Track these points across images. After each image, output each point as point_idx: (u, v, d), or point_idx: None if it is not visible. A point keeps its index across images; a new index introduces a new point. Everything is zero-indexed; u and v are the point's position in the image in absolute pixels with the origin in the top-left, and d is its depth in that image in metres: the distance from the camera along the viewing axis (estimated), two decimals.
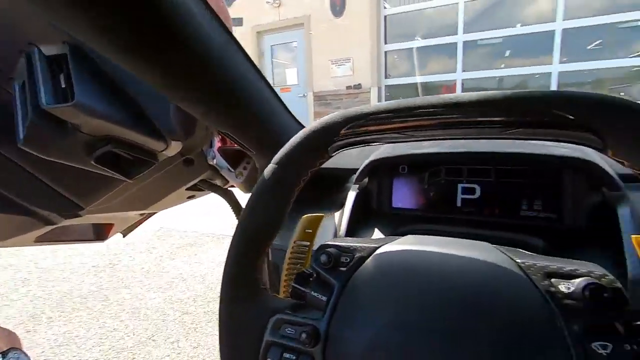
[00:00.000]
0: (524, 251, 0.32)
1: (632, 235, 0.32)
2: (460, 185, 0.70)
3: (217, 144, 0.95)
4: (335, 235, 0.71)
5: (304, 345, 0.32)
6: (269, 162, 0.37)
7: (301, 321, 0.34)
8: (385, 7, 6.36)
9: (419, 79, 6.41)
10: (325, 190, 0.91)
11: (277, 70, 7.52)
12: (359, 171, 0.75)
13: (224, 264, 0.38)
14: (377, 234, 0.71)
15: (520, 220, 0.64)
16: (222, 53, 0.43)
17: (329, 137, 0.33)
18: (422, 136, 0.31)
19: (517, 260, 0.29)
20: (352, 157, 0.88)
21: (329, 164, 0.95)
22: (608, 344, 0.24)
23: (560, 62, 5.44)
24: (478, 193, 0.68)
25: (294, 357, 0.33)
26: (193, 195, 0.93)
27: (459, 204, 0.70)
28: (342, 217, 0.72)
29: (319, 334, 0.32)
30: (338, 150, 0.35)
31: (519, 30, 5.63)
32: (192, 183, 0.82)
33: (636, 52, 5.09)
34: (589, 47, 5.31)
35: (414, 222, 0.71)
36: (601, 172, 0.57)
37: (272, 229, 0.36)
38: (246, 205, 0.37)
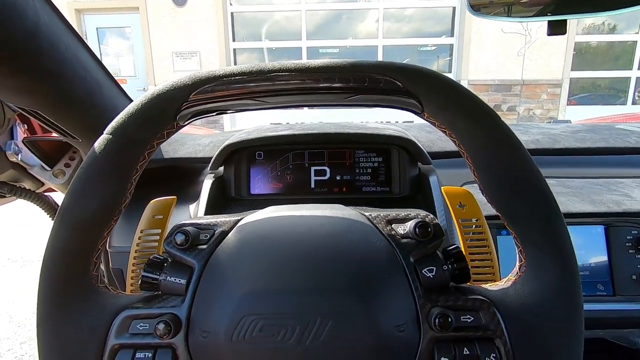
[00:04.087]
0: (369, 208, 0.36)
1: (442, 187, 0.41)
2: (312, 169, 0.75)
3: (20, 134, 0.75)
4: None
5: (161, 338, 0.28)
6: None
7: (156, 312, 0.29)
8: (231, 4, 6.26)
9: None
10: (180, 181, 0.84)
11: (107, 59, 6.43)
12: (213, 158, 0.72)
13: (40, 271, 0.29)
14: None
15: (363, 195, 0.74)
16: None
17: (177, 102, 0.30)
18: (275, 103, 0.32)
19: (365, 214, 0.33)
20: (206, 147, 0.83)
21: (184, 153, 0.87)
22: (433, 267, 0.29)
23: None
24: (328, 175, 0.75)
25: (150, 355, 0.28)
26: None
27: (312, 185, 0.75)
28: (198, 208, 0.67)
29: (180, 322, 0.29)
30: (189, 119, 0.32)
31: (351, 42, 6.47)
32: None
33: None
34: None
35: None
36: (418, 149, 0.70)
37: (107, 215, 0.30)
38: (70, 187, 0.29)
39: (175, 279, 0.30)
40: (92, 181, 0.29)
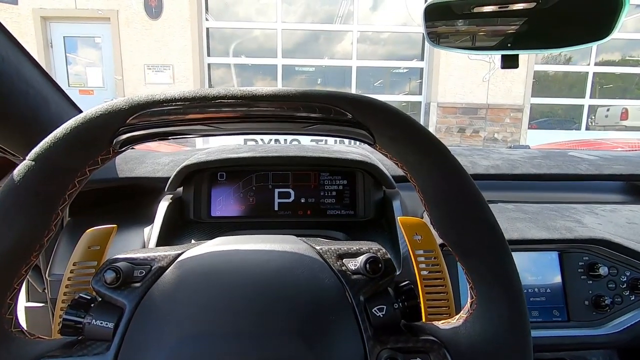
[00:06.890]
0: (323, 239, 0.35)
1: (399, 217, 0.40)
2: (277, 191, 0.73)
3: None
4: None
5: None
6: None
7: None
8: (207, 19, 6.26)
9: None
10: (139, 201, 0.79)
11: (76, 68, 6.19)
12: (171, 179, 0.68)
13: None
14: None
15: (328, 218, 0.72)
16: None
17: (112, 127, 0.27)
18: (229, 129, 0.30)
19: (316, 247, 0.32)
20: (166, 166, 0.80)
21: (141, 172, 0.83)
22: (383, 306, 0.28)
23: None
24: (293, 197, 0.73)
25: None
26: None
27: (276, 208, 0.73)
28: (152, 232, 0.63)
29: None
30: (128, 145, 0.29)
31: (326, 62, 6.60)
32: None
33: (404, 91, 6.81)
34: (375, 84, 6.74)
35: (234, 229, 0.70)
36: (382, 174, 0.70)
37: (25, 250, 0.26)
38: None
39: (101, 322, 0.27)
40: (7, 213, 0.26)
